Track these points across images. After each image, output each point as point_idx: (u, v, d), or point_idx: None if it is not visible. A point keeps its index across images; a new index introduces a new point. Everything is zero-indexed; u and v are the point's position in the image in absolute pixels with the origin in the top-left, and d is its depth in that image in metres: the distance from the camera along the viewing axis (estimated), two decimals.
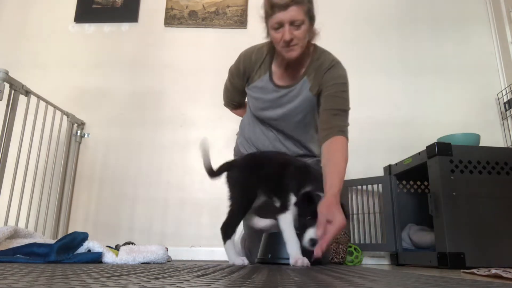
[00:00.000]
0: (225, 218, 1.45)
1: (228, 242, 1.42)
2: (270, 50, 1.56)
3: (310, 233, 1.21)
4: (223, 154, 2.39)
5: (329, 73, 1.50)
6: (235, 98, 1.80)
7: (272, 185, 1.44)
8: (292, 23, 1.36)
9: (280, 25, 1.37)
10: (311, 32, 1.49)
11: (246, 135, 1.73)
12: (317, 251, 1.15)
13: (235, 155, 1.81)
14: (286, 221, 1.32)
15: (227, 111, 2.34)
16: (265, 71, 1.57)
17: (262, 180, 1.44)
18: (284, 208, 1.35)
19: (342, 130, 1.40)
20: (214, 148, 2.45)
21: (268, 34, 1.47)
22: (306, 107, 1.56)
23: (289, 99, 1.55)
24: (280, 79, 1.57)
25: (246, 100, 1.78)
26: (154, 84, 2.58)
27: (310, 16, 1.42)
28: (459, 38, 2.64)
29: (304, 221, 1.25)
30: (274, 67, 1.57)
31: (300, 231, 1.27)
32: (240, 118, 1.86)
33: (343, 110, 1.45)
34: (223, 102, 1.89)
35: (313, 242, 1.19)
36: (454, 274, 1.15)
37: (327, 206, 1.20)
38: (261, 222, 1.50)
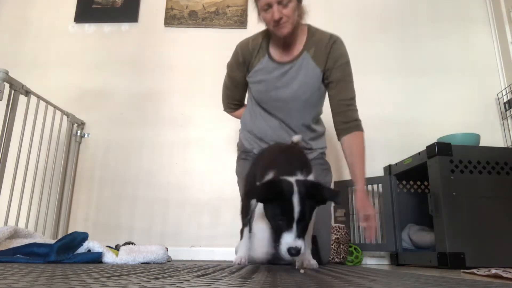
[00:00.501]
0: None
1: (241, 240, 1.39)
2: (265, 36, 1.63)
3: (287, 240, 0.93)
4: (223, 154, 2.41)
5: (333, 51, 1.57)
6: (235, 95, 1.80)
7: None
8: (279, 2, 1.44)
9: (269, 6, 1.45)
10: (300, 11, 1.55)
11: (248, 128, 1.72)
12: (371, 239, 1.39)
13: (238, 149, 1.80)
14: None
15: None
16: (264, 54, 1.62)
17: None
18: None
19: (359, 125, 1.57)
20: (214, 148, 2.46)
21: (259, 16, 1.54)
22: (313, 83, 1.58)
23: (293, 75, 1.58)
24: (280, 57, 1.61)
25: (245, 101, 1.78)
26: (154, 84, 2.57)
27: None
28: (459, 38, 2.63)
29: (276, 224, 0.98)
30: (271, 49, 1.63)
31: (274, 236, 1.00)
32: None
33: (353, 98, 1.59)
34: (222, 108, 1.89)
35: (293, 252, 0.93)
36: (454, 274, 1.15)
37: (362, 202, 1.43)
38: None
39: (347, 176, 2.23)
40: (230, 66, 1.73)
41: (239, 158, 1.77)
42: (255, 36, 1.67)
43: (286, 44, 1.59)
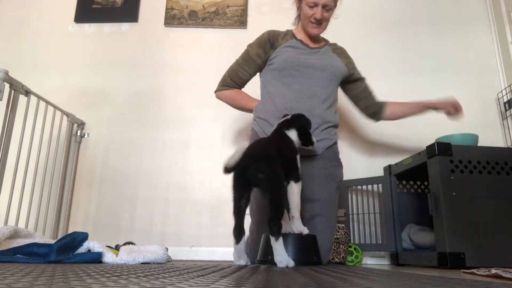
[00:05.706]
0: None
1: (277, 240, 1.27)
2: (288, 32, 1.84)
3: None
4: (223, 154, 2.41)
5: (349, 56, 1.90)
6: (240, 72, 1.82)
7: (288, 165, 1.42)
8: (324, 6, 1.71)
9: (315, 5, 1.71)
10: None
11: (267, 107, 1.74)
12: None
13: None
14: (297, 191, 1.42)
15: (227, 111, 2.34)
16: (291, 37, 1.81)
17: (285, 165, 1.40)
18: (298, 177, 1.44)
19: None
20: (214, 148, 2.46)
21: (299, 9, 1.80)
22: (338, 65, 1.80)
23: (321, 55, 1.79)
24: (307, 42, 1.83)
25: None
26: (154, 84, 2.58)
27: (335, 6, 1.78)
28: (459, 38, 2.64)
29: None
30: (298, 37, 1.83)
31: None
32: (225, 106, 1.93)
33: None
34: (222, 107, 1.89)
35: None
36: (454, 274, 1.15)
37: (450, 100, 1.86)
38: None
39: (346, 176, 2.23)
40: (251, 45, 1.82)
41: None
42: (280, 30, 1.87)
43: (310, 39, 1.85)
